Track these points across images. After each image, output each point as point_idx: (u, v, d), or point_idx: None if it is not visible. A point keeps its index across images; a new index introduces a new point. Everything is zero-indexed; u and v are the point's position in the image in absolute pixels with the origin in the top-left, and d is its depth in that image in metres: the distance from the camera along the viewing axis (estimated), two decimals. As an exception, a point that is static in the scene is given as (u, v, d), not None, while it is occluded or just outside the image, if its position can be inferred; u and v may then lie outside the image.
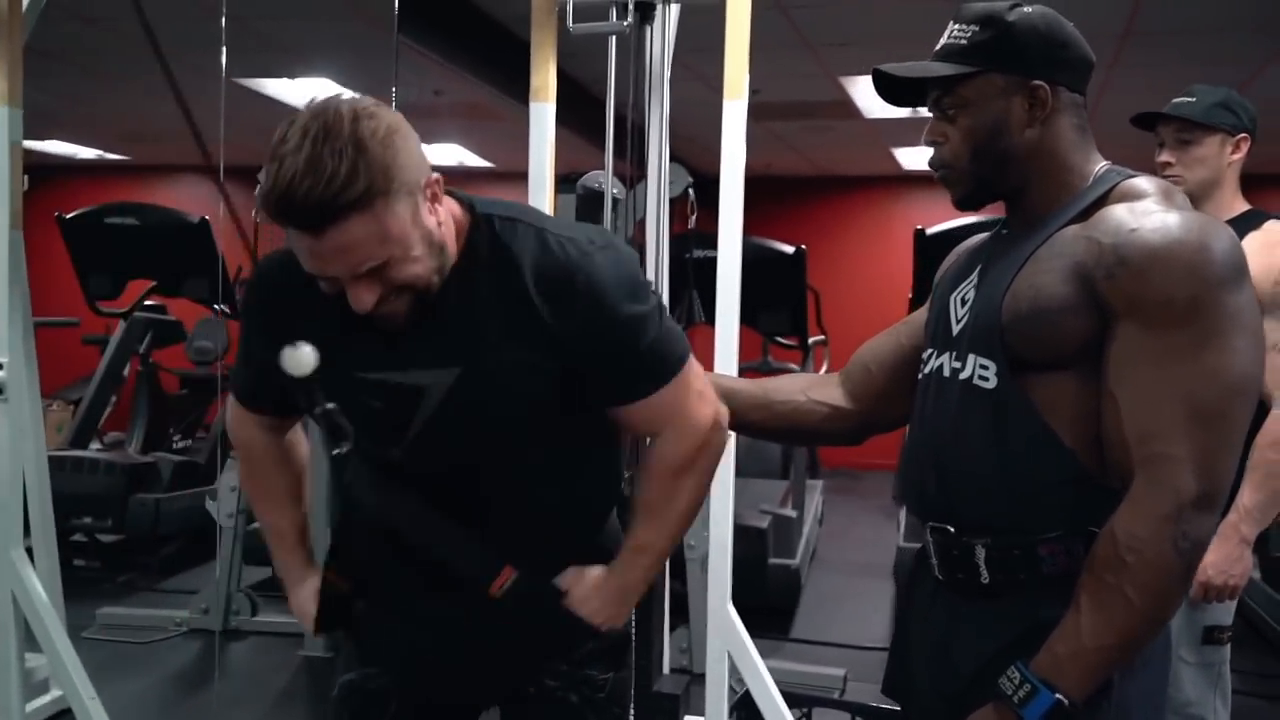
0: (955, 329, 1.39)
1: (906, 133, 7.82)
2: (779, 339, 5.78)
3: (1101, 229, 1.25)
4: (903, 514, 5.69)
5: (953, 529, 1.35)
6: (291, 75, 6.22)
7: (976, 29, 1.33)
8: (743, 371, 2.56)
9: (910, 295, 6.67)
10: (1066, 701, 1.19)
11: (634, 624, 1.69)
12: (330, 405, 1.32)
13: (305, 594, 1.56)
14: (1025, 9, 1.33)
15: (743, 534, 3.62)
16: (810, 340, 5.75)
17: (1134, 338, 1.21)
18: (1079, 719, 1.20)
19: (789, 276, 5.11)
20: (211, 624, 4.35)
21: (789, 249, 5.09)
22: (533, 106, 2.52)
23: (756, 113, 6.69)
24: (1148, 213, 1.24)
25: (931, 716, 1.38)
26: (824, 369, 6.06)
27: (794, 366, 6.26)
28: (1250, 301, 1.21)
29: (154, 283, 6.06)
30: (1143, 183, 1.31)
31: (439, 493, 1.38)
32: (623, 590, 1.44)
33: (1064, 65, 1.33)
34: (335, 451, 1.34)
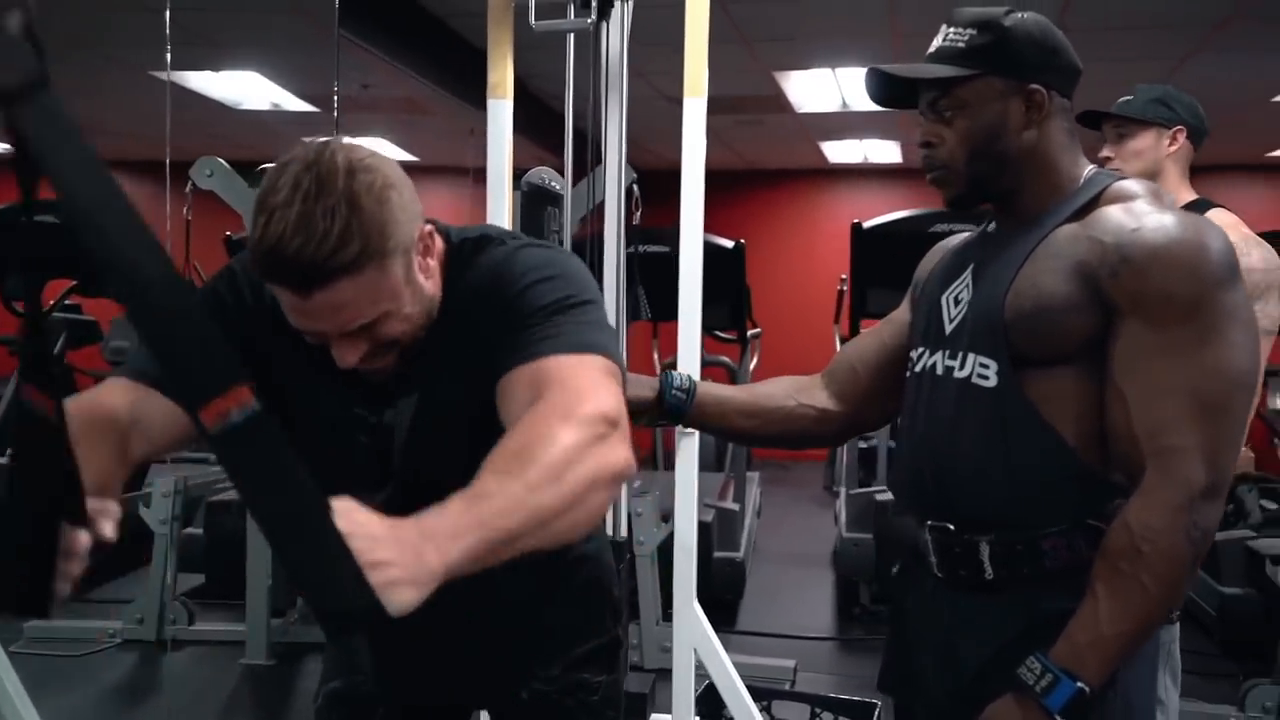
0: (949, 328, 1.40)
1: (835, 127, 7.93)
2: (718, 333, 5.81)
3: (1101, 229, 1.28)
4: (841, 504, 5.76)
5: (953, 526, 1.36)
6: (216, 68, 6.05)
7: (974, 33, 1.34)
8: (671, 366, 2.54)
9: (841, 289, 6.80)
10: (1088, 689, 1.21)
11: (624, 625, 1.66)
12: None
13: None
14: (1019, 15, 1.35)
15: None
16: (749, 334, 5.79)
17: (1138, 334, 1.24)
18: (1097, 705, 1.22)
19: (729, 271, 5.13)
20: (147, 634, 4.22)
21: (729, 243, 5.11)
22: (490, 103, 2.50)
23: (688, 107, 6.77)
24: (1144, 213, 1.27)
25: (938, 712, 1.39)
26: (754, 362, 6.11)
27: (726, 359, 6.30)
28: (1244, 298, 1.25)
29: (74, 282, 5.85)
30: (1132, 185, 1.34)
31: None
32: (427, 536, 0.86)
33: (1057, 70, 1.36)
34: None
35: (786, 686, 3.74)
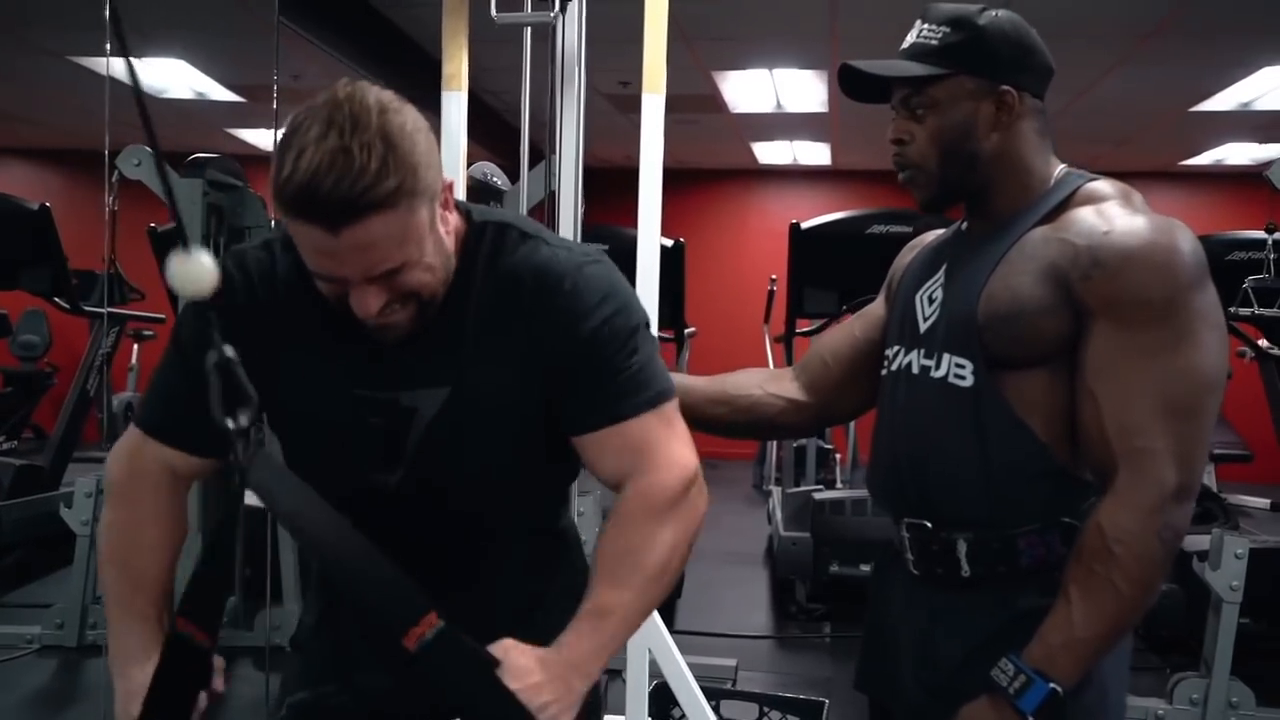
0: (923, 327, 1.40)
1: (767, 128, 7.98)
2: (657, 332, 5.79)
3: (1074, 231, 1.29)
4: (775, 503, 5.80)
5: (930, 524, 1.36)
6: (139, 54, 5.86)
7: (948, 30, 1.34)
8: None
9: (772, 289, 6.85)
10: (1061, 690, 1.22)
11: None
12: (230, 353, 1.00)
13: (138, 682, 1.18)
14: (994, 13, 1.35)
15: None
16: (685, 332, 5.79)
17: (1110, 336, 1.25)
18: (1070, 705, 1.23)
19: (668, 269, 5.09)
20: (68, 639, 4.07)
21: (668, 242, 5.09)
22: (444, 95, 2.46)
23: (624, 105, 6.77)
24: (1116, 215, 1.28)
25: (916, 709, 1.39)
26: (685, 359, 6.12)
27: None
28: (1214, 300, 1.27)
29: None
30: (1104, 186, 1.35)
31: (413, 520, 1.30)
32: (573, 666, 1.12)
33: (1029, 71, 1.36)
34: (231, 424, 1.00)
35: (728, 685, 3.74)
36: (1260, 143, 7.90)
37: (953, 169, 1.36)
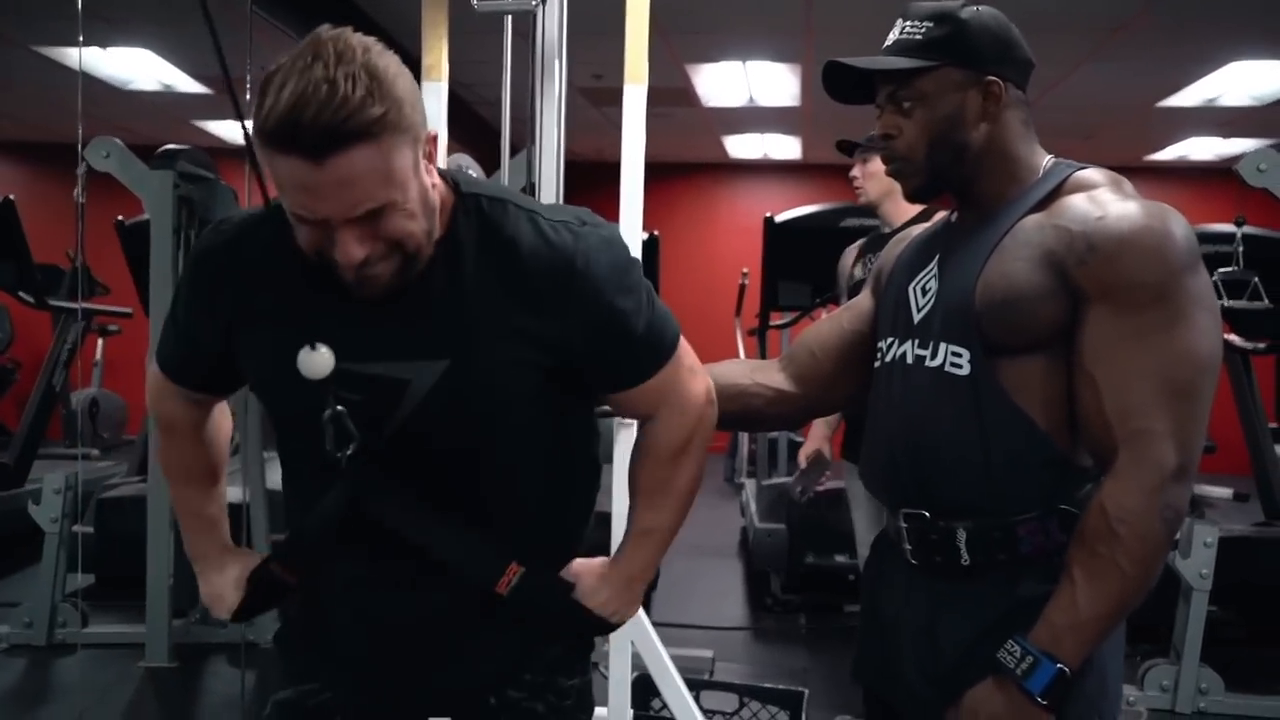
0: (917, 317, 1.41)
1: (738, 121, 8.00)
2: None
3: (1068, 217, 1.30)
4: (749, 495, 5.82)
5: (928, 513, 1.37)
6: (103, 44, 5.77)
7: (931, 25, 1.36)
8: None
9: (743, 282, 6.85)
10: (1068, 671, 1.23)
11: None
12: (340, 408, 1.22)
13: (224, 581, 1.43)
14: (975, 8, 1.37)
15: (602, 520, 3.58)
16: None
17: (1107, 320, 1.26)
18: (1074, 685, 1.25)
19: (643, 263, 5.11)
20: (36, 638, 4.01)
21: (643, 235, 5.10)
22: (424, 85, 2.43)
23: (596, 98, 6.77)
24: (1108, 201, 1.30)
25: (917, 699, 1.40)
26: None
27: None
28: (1207, 282, 1.29)
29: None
30: (1094, 174, 1.37)
31: (410, 488, 1.30)
32: (630, 578, 1.38)
33: (1012, 63, 1.38)
34: (340, 455, 1.24)
35: (706, 676, 3.74)
36: (1224, 137, 8.02)
37: (941, 159, 1.37)
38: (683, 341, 1.36)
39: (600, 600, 1.37)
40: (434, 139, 1.18)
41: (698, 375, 1.38)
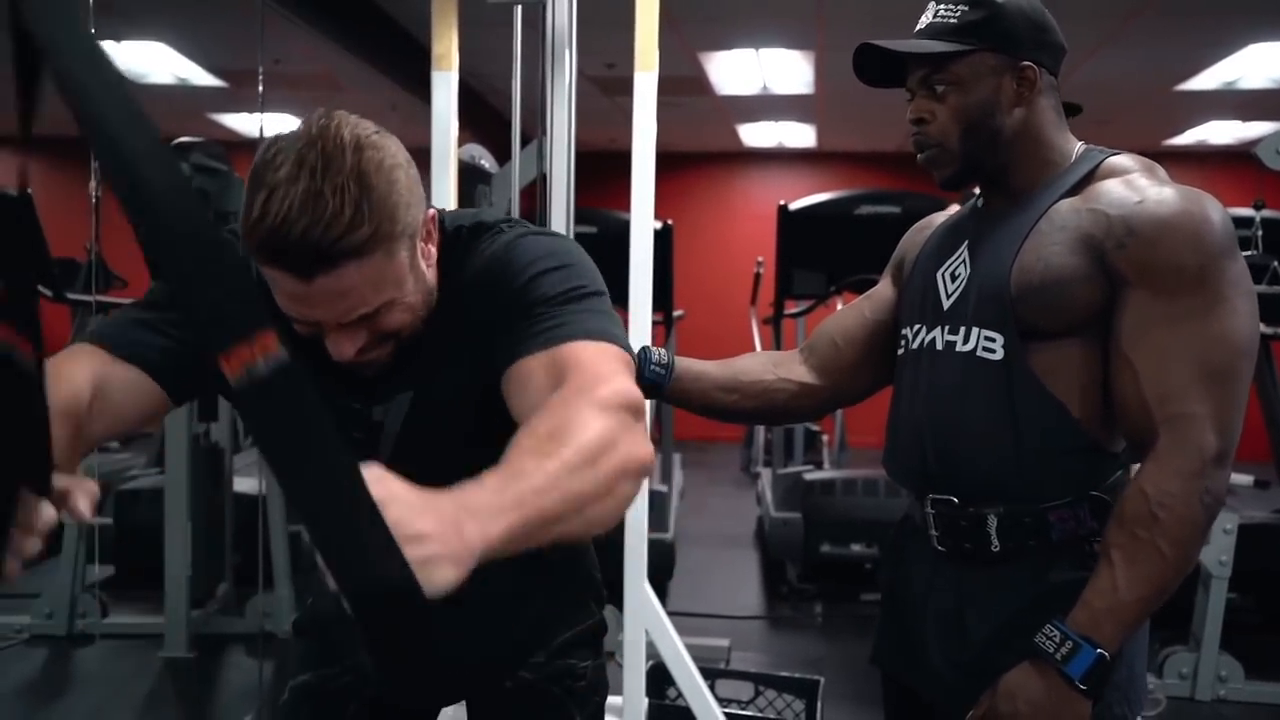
0: (946, 304, 1.40)
1: (752, 110, 7.97)
2: (645, 315, 5.79)
3: (1105, 202, 1.29)
4: (765, 484, 5.82)
5: (957, 500, 1.36)
6: (118, 38, 5.80)
7: (966, 8, 1.34)
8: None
9: (758, 271, 6.84)
10: (1108, 655, 1.22)
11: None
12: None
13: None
14: None
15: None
16: (673, 315, 5.78)
17: (1146, 304, 1.25)
18: (1112, 671, 1.24)
19: (657, 251, 5.09)
20: (57, 629, 4.04)
21: (657, 224, 5.09)
22: (435, 75, 2.45)
23: (609, 87, 6.76)
24: (1144, 186, 1.29)
25: (943, 685, 1.39)
26: (673, 342, 6.12)
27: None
28: (1244, 267, 1.27)
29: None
30: (1126, 160, 1.35)
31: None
32: (464, 509, 0.80)
33: (1047, 48, 1.37)
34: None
35: (721, 665, 3.75)
36: (1243, 120, 7.95)
37: (975, 145, 1.36)
38: (623, 352, 1.10)
39: (405, 503, 0.76)
40: (432, 218, 1.15)
41: (632, 380, 1.05)
